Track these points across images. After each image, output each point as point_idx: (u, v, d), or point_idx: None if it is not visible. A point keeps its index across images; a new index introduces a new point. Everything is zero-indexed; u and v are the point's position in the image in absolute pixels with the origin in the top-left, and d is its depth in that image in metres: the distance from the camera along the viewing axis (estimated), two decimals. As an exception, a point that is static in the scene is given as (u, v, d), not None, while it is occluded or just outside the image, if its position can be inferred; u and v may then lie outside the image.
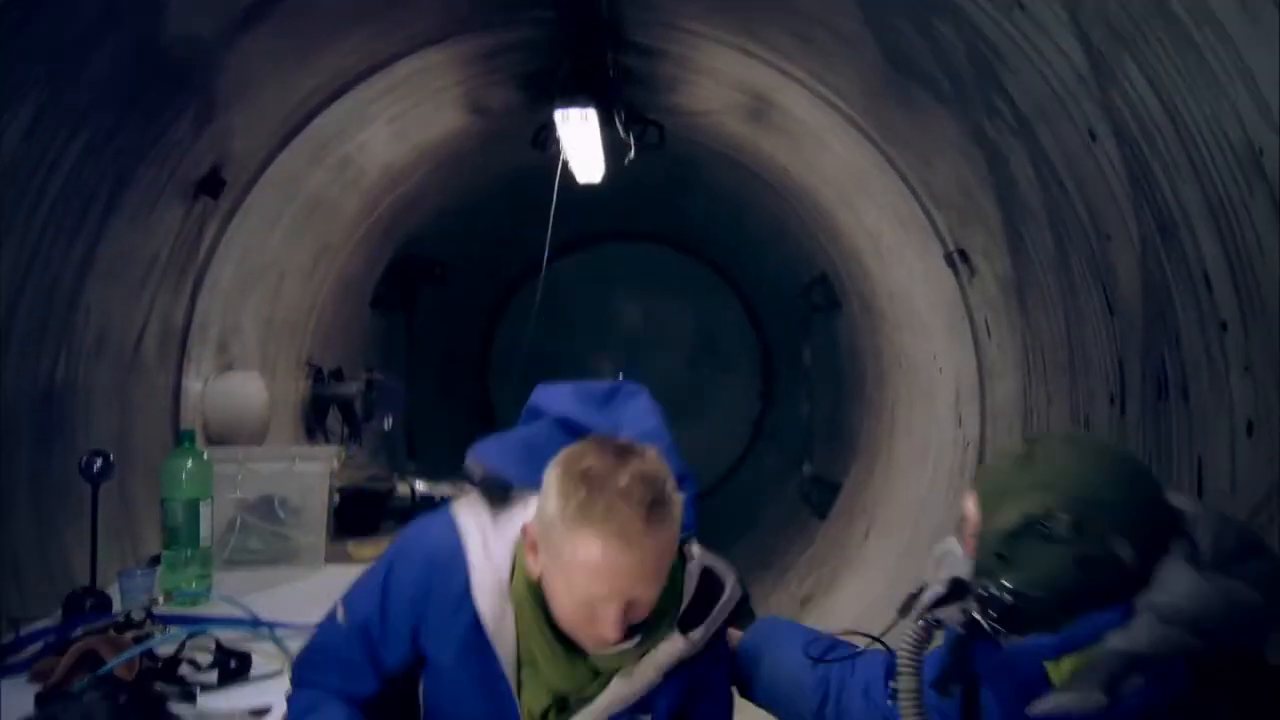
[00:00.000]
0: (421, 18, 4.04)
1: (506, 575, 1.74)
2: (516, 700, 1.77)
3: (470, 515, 1.80)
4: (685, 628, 1.77)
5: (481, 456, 1.84)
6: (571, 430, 1.83)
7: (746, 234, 7.42)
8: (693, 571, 1.79)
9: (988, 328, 4.22)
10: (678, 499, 1.66)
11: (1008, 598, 1.39)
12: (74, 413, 2.99)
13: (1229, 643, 1.31)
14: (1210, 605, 1.31)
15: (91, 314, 3.02)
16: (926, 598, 1.51)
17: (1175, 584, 1.33)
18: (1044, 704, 1.33)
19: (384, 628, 1.79)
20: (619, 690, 1.76)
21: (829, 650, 1.90)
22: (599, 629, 1.65)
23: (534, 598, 1.71)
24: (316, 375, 5.25)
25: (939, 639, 1.51)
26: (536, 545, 1.68)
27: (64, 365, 2.94)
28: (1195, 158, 2.19)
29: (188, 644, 2.14)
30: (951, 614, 1.47)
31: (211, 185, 3.50)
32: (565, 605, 1.67)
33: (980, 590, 1.42)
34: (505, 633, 1.74)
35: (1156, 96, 2.28)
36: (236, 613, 2.35)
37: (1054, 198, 3.13)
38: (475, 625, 1.75)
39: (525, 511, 1.75)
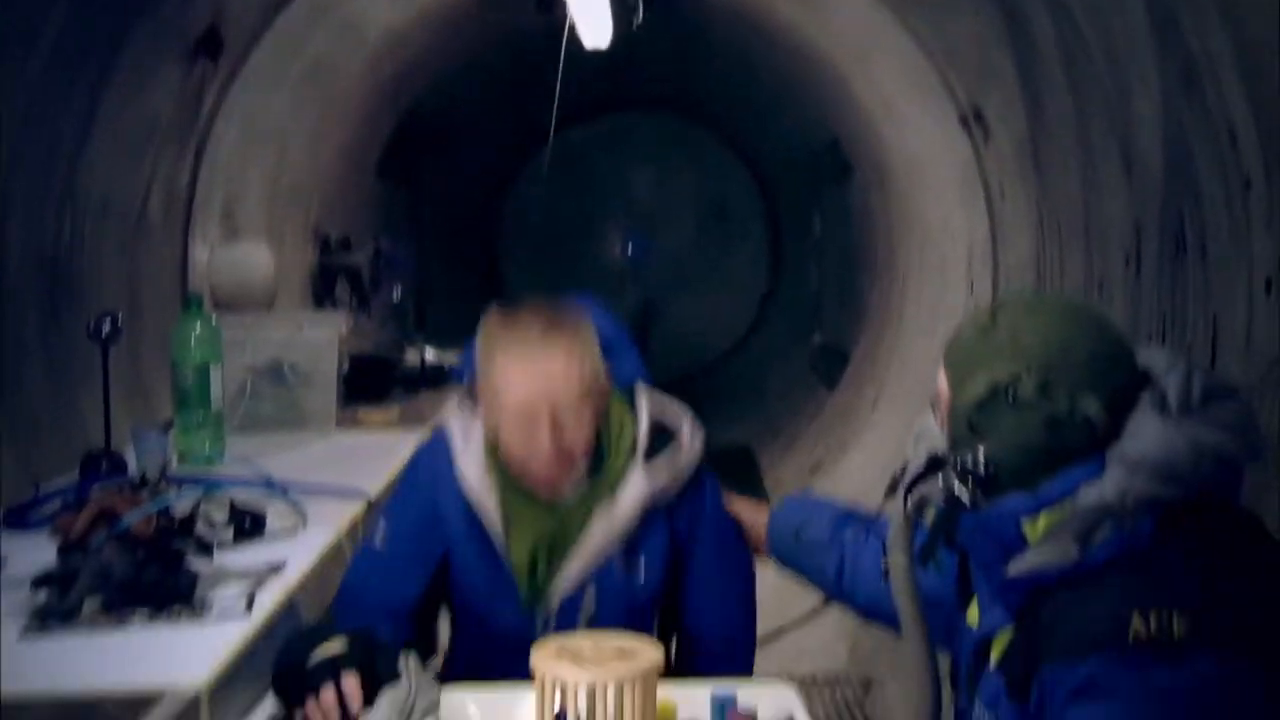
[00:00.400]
0: None
1: (483, 453, 1.97)
2: (507, 560, 1.96)
3: (453, 414, 2.04)
4: (650, 456, 1.97)
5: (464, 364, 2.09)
6: None
7: (756, 100, 7.27)
8: (643, 406, 2.01)
9: (1001, 191, 4.16)
10: (590, 327, 1.92)
11: (982, 467, 1.40)
12: (81, 278, 2.98)
13: (1197, 487, 1.33)
14: (1176, 451, 1.32)
15: (94, 177, 2.98)
16: (908, 475, 1.53)
17: (1142, 432, 1.34)
18: (1020, 564, 1.35)
19: (419, 526, 2.01)
20: (601, 529, 1.95)
21: (850, 520, 1.96)
22: (535, 445, 1.87)
23: (499, 462, 1.95)
24: (323, 245, 5.22)
25: (930, 516, 1.52)
26: (484, 398, 1.93)
27: (69, 229, 2.91)
28: (1226, 2, 2.11)
29: (203, 503, 2.17)
30: (932, 489, 1.49)
31: (210, 45, 3.42)
32: (506, 438, 1.91)
33: (955, 462, 1.43)
34: (488, 499, 1.96)
35: (1186, -62, 2.20)
36: (250, 474, 2.38)
37: (1073, 53, 3.04)
38: (469, 506, 1.97)
39: None
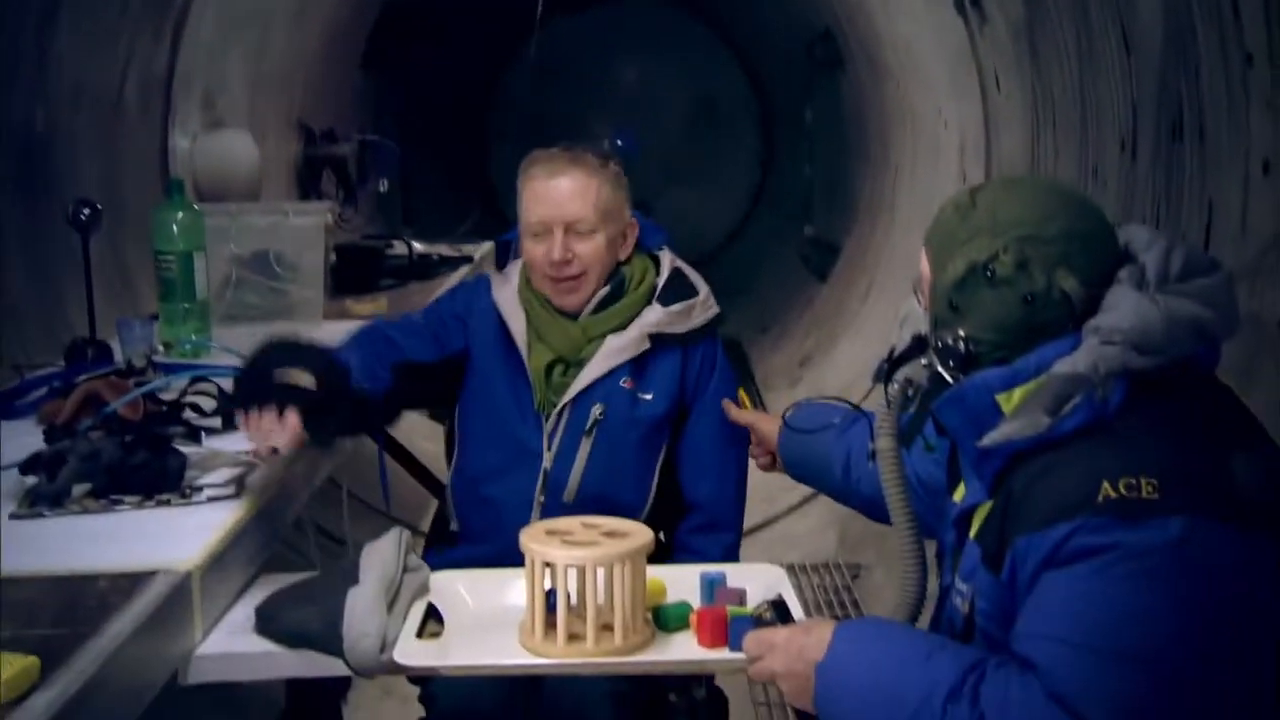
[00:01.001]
0: None
1: (516, 283, 2.18)
2: (527, 365, 2.13)
3: (492, 269, 2.28)
4: (665, 302, 2.14)
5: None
6: None
7: (748, -12, 7.11)
8: (665, 264, 2.19)
9: (996, 78, 4.09)
10: (618, 168, 2.14)
11: (962, 345, 1.41)
12: (58, 165, 2.91)
13: (1170, 358, 1.33)
14: (1150, 322, 1.32)
15: (64, 62, 2.90)
16: (893, 357, 1.54)
17: (1117, 306, 1.35)
18: (992, 435, 1.36)
19: (447, 316, 2.20)
20: (610, 345, 2.12)
21: (858, 419, 1.95)
22: (547, 255, 2.07)
23: (530, 287, 2.15)
24: (308, 136, 5.12)
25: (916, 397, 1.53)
26: (520, 223, 2.13)
27: (42, 116, 2.84)
28: None
29: (190, 391, 2.16)
30: (916, 370, 1.50)
31: (183, -76, 3.31)
32: (527, 248, 2.11)
33: (937, 342, 1.44)
34: (516, 318, 2.15)
35: None
36: (238, 362, 2.36)
37: (1075, -70, 2.96)
38: (500, 323, 2.16)
39: None
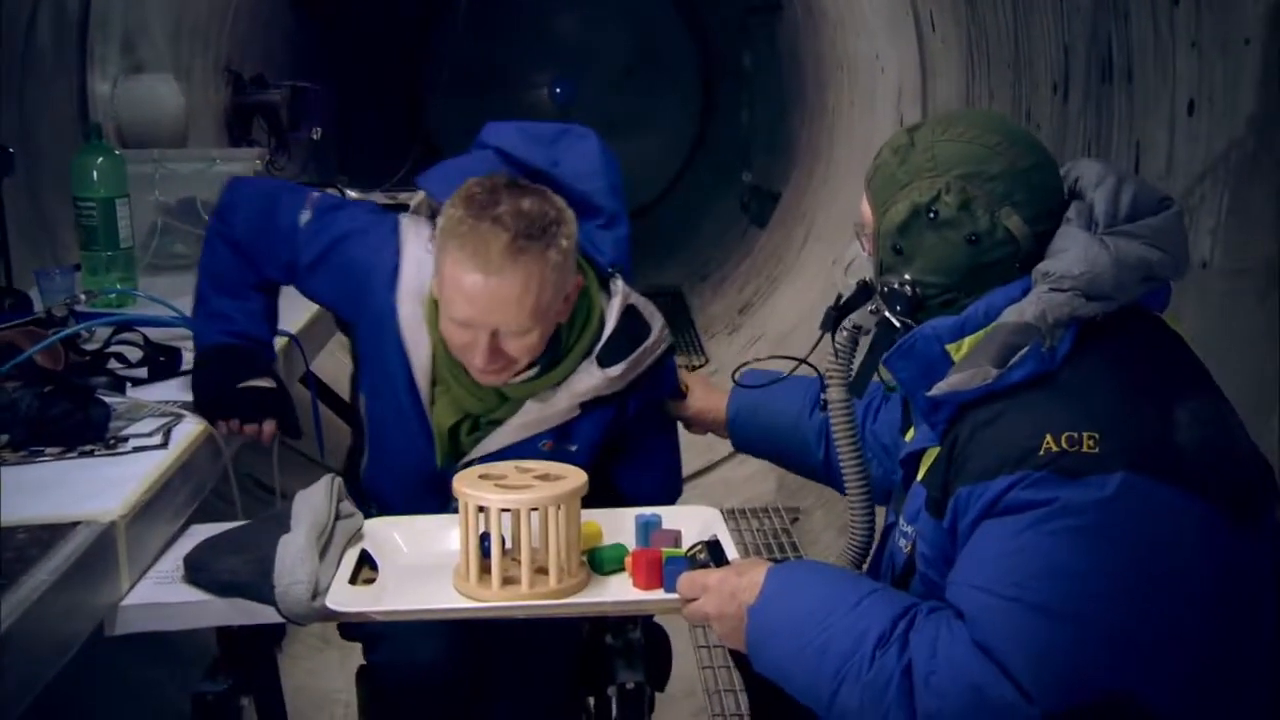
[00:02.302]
0: None
1: (428, 289, 1.81)
2: (428, 414, 1.85)
3: (413, 227, 1.87)
4: (605, 363, 1.81)
5: (422, 181, 1.90)
6: (509, 163, 1.87)
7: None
8: (615, 306, 1.83)
9: (932, 22, 4.09)
10: (565, 242, 1.71)
11: (909, 289, 1.40)
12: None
13: (1120, 305, 1.32)
14: (1099, 266, 1.30)
15: (-29, 2, 2.79)
16: (840, 304, 1.52)
17: (1065, 249, 1.33)
18: (940, 385, 1.34)
19: (337, 271, 1.88)
20: (532, 414, 1.83)
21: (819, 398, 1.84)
22: (472, 355, 1.73)
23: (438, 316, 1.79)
24: (237, 82, 4.99)
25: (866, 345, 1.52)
26: (436, 277, 1.76)
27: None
28: None
29: (115, 340, 2.11)
30: (864, 317, 1.49)
31: None
32: (445, 327, 1.75)
33: (883, 287, 1.42)
34: (420, 345, 1.82)
35: None
36: (164, 312, 2.31)
37: None
38: (398, 332, 1.83)
39: None
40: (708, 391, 2.05)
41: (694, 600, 1.48)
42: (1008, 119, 1.50)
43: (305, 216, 1.92)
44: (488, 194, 1.69)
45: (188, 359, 2.06)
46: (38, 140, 2.98)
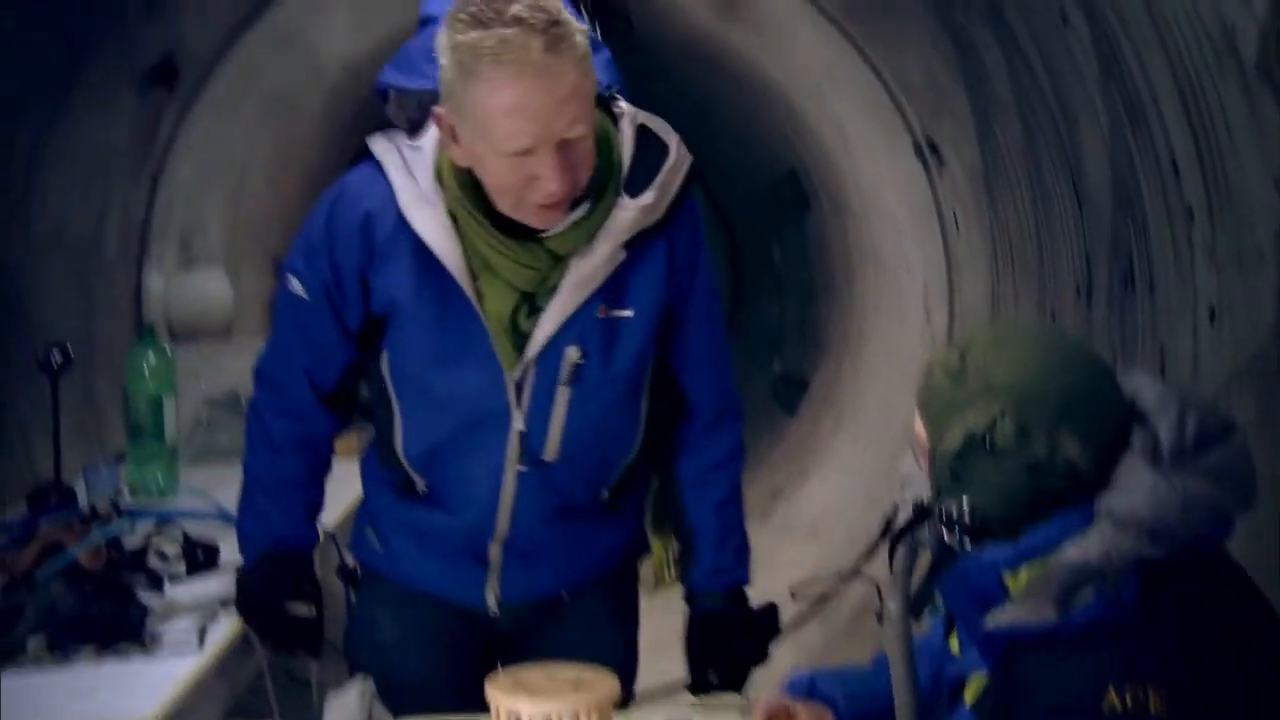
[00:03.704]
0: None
1: (432, 185, 1.64)
2: (480, 310, 1.65)
3: (382, 141, 1.70)
4: (634, 192, 1.65)
5: (388, 80, 1.73)
6: None
7: (715, 131, 7.31)
8: (625, 129, 1.68)
9: (956, 222, 4.21)
10: (580, 25, 1.53)
11: (967, 515, 1.35)
12: (32, 307, 2.94)
13: (1184, 544, 1.27)
14: (1166, 507, 1.25)
15: (46, 206, 2.95)
16: (899, 521, 1.48)
17: (1132, 485, 1.28)
18: (997, 618, 1.30)
19: (339, 280, 1.70)
20: (583, 269, 1.64)
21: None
22: (542, 185, 1.53)
23: (469, 194, 1.61)
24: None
25: (925, 559, 1.48)
26: (453, 127, 1.56)
27: (20, 257, 2.88)
28: (1166, 37, 2.16)
29: (155, 536, 2.15)
30: (923, 535, 1.44)
31: (165, 74, 3.41)
32: (499, 174, 1.55)
33: (941, 511, 1.38)
34: (447, 242, 1.63)
35: (1130, -24, 2.25)
36: (204, 506, 2.36)
37: (1024, 87, 3.10)
38: (420, 247, 1.65)
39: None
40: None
41: None
42: (1062, 334, 1.46)
43: (294, 283, 1.75)
44: (487, 3, 1.49)
45: (225, 555, 2.09)
46: (95, 334, 3.10)
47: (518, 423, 1.70)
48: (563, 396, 1.70)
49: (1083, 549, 1.26)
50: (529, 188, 1.54)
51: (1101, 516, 1.28)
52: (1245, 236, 2.10)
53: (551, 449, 1.72)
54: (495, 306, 1.65)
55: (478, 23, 1.48)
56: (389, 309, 1.69)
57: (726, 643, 1.87)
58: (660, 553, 2.05)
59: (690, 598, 1.90)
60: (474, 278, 1.65)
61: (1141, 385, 1.38)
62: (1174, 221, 2.38)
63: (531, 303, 1.66)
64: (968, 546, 1.36)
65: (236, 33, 3.80)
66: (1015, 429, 1.31)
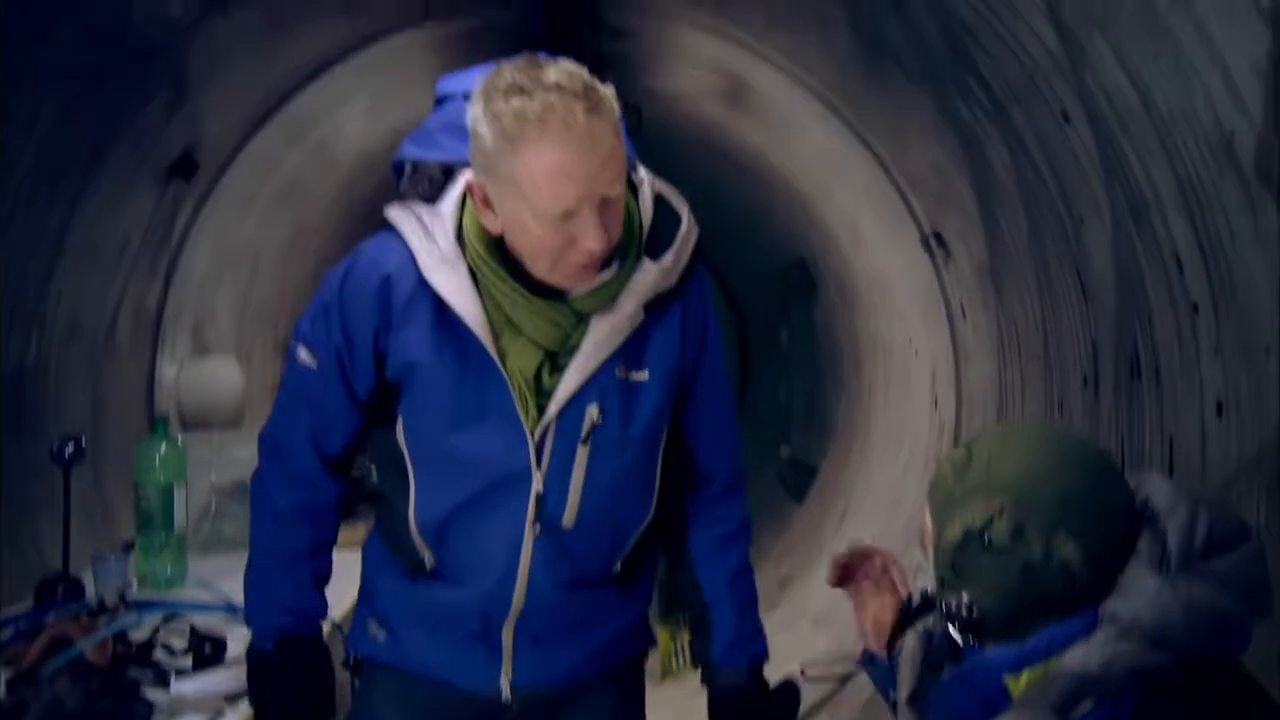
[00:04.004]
0: (398, -1, 4.02)
1: (453, 246, 1.66)
2: (502, 369, 1.66)
3: (399, 210, 1.72)
4: (655, 255, 1.70)
5: (406, 153, 1.77)
6: None
7: (723, 218, 7.40)
8: (646, 195, 1.73)
9: (963, 311, 4.24)
10: (609, 90, 1.57)
11: (966, 610, 1.35)
12: (45, 397, 2.97)
13: (1189, 653, 1.25)
14: (1170, 615, 1.23)
15: (63, 298, 2.99)
16: (911, 611, 1.50)
17: (1135, 590, 1.27)
18: None
19: (350, 347, 1.71)
20: (603, 329, 1.67)
21: None
22: (584, 244, 1.56)
23: (495, 257, 1.64)
24: (293, 359, 5.21)
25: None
26: (486, 194, 1.60)
27: (35, 349, 2.91)
28: (1167, 140, 2.20)
29: (162, 629, 2.14)
30: (932, 628, 1.45)
31: (184, 167, 3.48)
32: (540, 237, 1.58)
33: (944, 605, 1.39)
34: (470, 302, 1.65)
35: (1128, 79, 2.29)
36: (212, 598, 2.35)
37: (1028, 180, 3.15)
38: (440, 308, 1.66)
39: (460, 183, 1.69)
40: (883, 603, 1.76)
41: None
42: (1068, 436, 1.44)
43: (302, 350, 1.75)
44: (524, 73, 1.53)
45: (233, 649, 2.08)
46: (105, 422, 3.12)
47: (536, 484, 1.69)
48: (582, 456, 1.70)
49: (1083, 656, 1.25)
50: (568, 249, 1.58)
51: (1104, 622, 1.27)
52: (1250, 332, 2.11)
53: (570, 513, 1.71)
54: (518, 363, 1.67)
55: (518, 91, 1.52)
56: (405, 374, 1.70)
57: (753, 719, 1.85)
58: (667, 643, 2.03)
59: (711, 676, 1.87)
60: (495, 337, 1.67)
61: (1154, 486, 1.36)
62: (1179, 315, 2.40)
63: (554, 361, 1.68)
64: (970, 641, 1.36)
65: (255, 126, 3.88)
66: (1011, 528, 1.31)
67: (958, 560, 1.36)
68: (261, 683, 1.82)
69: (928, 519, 1.44)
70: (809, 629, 4.98)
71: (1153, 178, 2.34)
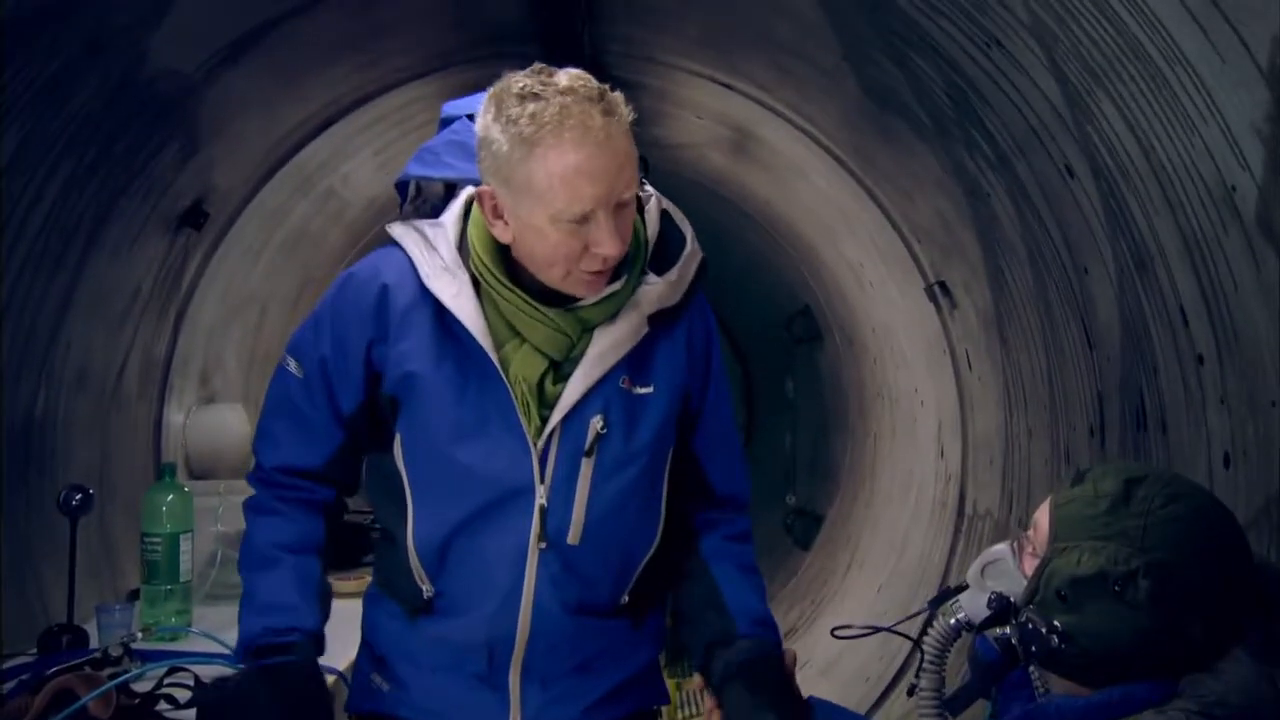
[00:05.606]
0: (407, 51, 4.07)
1: (454, 256, 1.65)
2: (504, 377, 1.64)
3: (399, 225, 1.71)
4: (660, 270, 1.71)
5: (410, 172, 1.76)
6: None
7: (729, 267, 7.44)
8: (652, 211, 1.73)
9: (969, 360, 4.25)
10: (619, 94, 1.58)
11: (1055, 640, 1.32)
12: (53, 447, 2.97)
13: None
14: (1260, 706, 1.22)
15: (72, 349, 3.01)
16: (967, 608, 1.45)
17: (1230, 673, 1.25)
18: None
19: (339, 358, 1.68)
20: (606, 340, 1.66)
21: None
22: (598, 248, 1.56)
23: (500, 266, 1.64)
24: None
25: (964, 637, 1.47)
26: (497, 203, 1.59)
27: (43, 399, 2.92)
28: (1170, 194, 2.22)
29: (166, 680, 2.13)
30: (991, 633, 1.41)
31: (194, 218, 3.51)
32: (555, 243, 1.57)
33: (1027, 621, 1.34)
34: (472, 310, 1.64)
35: (1131, 133, 2.32)
36: (216, 648, 2.34)
37: (1032, 232, 3.17)
38: (440, 317, 1.65)
39: (462, 196, 1.70)
40: None
41: None
42: (1229, 518, 1.38)
43: (290, 360, 1.73)
44: (535, 79, 1.55)
45: (236, 700, 2.06)
46: (112, 471, 3.12)
47: (540, 497, 1.65)
48: (586, 469, 1.66)
49: None
50: (582, 255, 1.57)
51: (1188, 696, 1.24)
52: (1256, 383, 2.11)
53: (575, 530, 1.67)
54: (521, 371, 1.64)
55: (532, 96, 1.52)
56: (403, 386, 1.67)
57: (776, 683, 1.72)
58: (674, 693, 2.01)
59: (731, 650, 1.74)
60: (497, 346, 1.65)
61: (1270, 575, 1.35)
62: (1184, 365, 2.40)
63: (557, 370, 1.66)
64: (1031, 663, 1.33)
65: (265, 177, 3.92)
66: (1150, 593, 1.27)
67: (1072, 591, 1.31)
68: (229, 705, 1.67)
69: (1045, 524, 1.38)
70: (813, 678, 4.94)
71: (1156, 230, 2.35)
